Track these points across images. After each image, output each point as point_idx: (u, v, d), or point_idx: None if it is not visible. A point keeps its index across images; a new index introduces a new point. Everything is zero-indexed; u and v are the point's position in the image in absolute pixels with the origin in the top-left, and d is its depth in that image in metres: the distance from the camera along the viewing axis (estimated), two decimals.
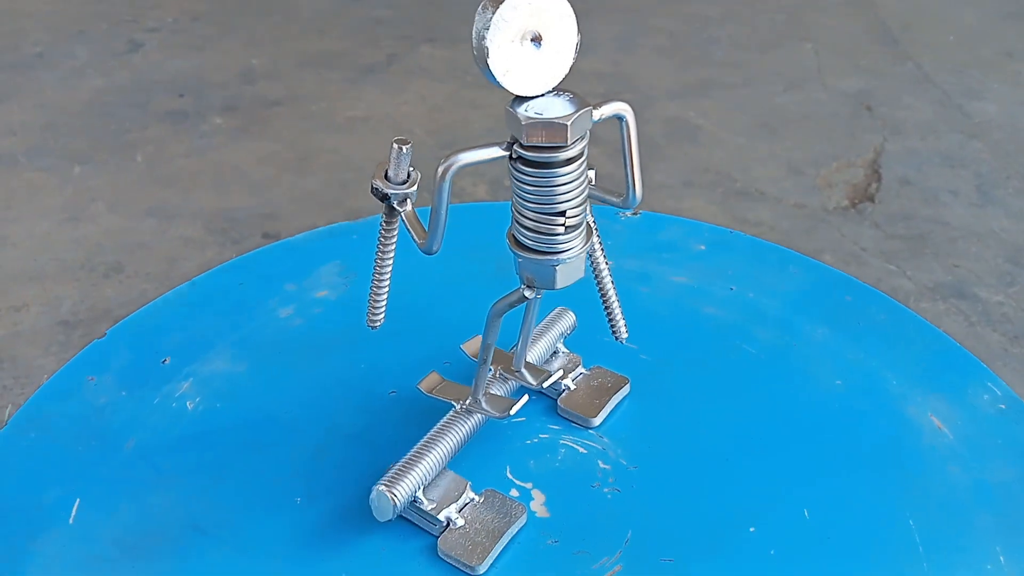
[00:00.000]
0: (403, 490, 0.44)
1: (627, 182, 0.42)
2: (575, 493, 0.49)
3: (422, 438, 0.47)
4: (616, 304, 0.48)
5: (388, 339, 0.54)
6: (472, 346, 0.54)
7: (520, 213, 0.39)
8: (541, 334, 0.54)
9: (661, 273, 0.65)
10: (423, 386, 0.50)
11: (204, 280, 0.66)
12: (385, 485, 0.44)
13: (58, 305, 1.42)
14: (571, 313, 0.56)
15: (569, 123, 0.36)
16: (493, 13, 0.34)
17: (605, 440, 0.52)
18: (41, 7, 2.43)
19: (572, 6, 0.37)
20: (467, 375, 0.51)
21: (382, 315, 0.48)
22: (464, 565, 0.44)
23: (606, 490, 0.49)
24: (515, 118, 0.36)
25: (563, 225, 0.39)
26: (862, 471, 0.50)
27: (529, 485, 0.49)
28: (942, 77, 2.17)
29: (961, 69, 2.21)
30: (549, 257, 0.40)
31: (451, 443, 0.47)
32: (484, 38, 0.35)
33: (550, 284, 0.40)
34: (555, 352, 0.55)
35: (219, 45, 2.25)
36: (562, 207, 0.38)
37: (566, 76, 0.37)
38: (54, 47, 2.23)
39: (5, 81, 2.08)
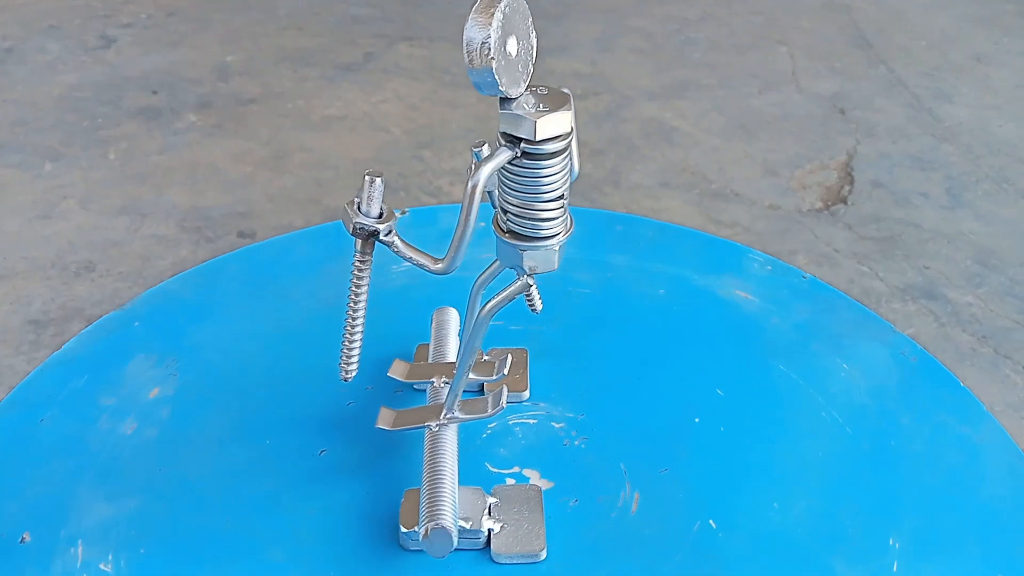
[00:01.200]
0: (451, 520, 0.44)
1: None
2: (557, 457, 0.52)
3: (424, 466, 0.47)
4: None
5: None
6: (400, 369, 0.53)
7: (530, 208, 0.41)
8: (448, 336, 0.55)
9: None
10: (383, 423, 0.49)
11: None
12: (436, 522, 0.43)
13: (28, 304, 1.40)
14: (454, 310, 0.57)
15: (571, 111, 0.39)
16: (490, 24, 0.35)
17: (542, 405, 0.55)
18: (11, 0, 2.40)
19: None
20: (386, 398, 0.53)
21: (356, 362, 0.44)
22: (528, 556, 0.45)
23: (577, 442, 0.53)
24: (520, 119, 0.38)
25: (562, 207, 0.41)
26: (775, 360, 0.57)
27: (517, 469, 0.51)
28: (914, 81, 2.20)
29: (932, 73, 2.24)
30: (552, 240, 0.42)
31: (454, 460, 0.47)
32: (488, 51, 0.36)
33: (552, 265, 0.42)
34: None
35: (194, 41, 2.23)
36: (561, 190, 0.41)
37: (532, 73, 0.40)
38: (25, 41, 2.20)
39: None
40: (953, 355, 1.38)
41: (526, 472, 0.51)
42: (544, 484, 0.50)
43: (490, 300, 0.44)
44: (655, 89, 2.10)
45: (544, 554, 0.45)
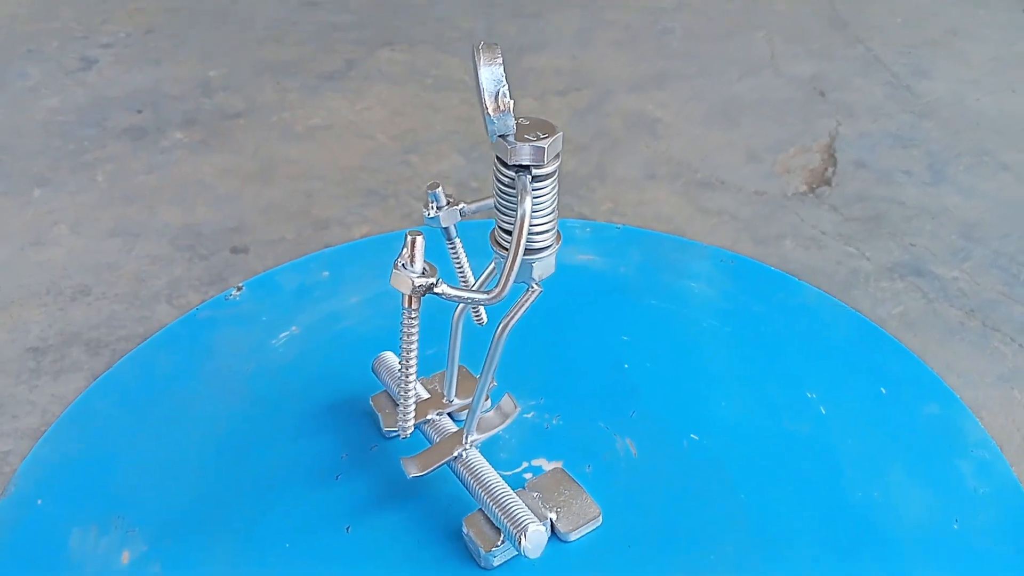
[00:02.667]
0: (535, 519, 0.47)
1: None
2: (548, 440, 0.56)
3: (473, 488, 0.49)
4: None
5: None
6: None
7: (538, 224, 0.44)
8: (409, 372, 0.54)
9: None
10: (415, 471, 0.50)
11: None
12: (527, 527, 0.46)
13: (26, 331, 1.41)
14: (390, 353, 0.57)
15: (561, 133, 0.42)
16: (499, 65, 0.38)
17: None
18: None
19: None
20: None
21: (413, 417, 0.47)
22: (591, 524, 0.50)
23: (555, 421, 0.58)
24: (531, 148, 0.42)
25: (556, 217, 0.45)
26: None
27: (526, 464, 0.55)
28: (891, 58, 2.22)
29: (909, 50, 2.26)
30: (553, 247, 0.46)
31: (496, 474, 0.50)
32: (506, 95, 0.39)
33: (552, 269, 0.46)
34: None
35: (175, 58, 2.24)
36: (555, 203, 0.45)
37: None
38: (4, 67, 2.20)
39: None
40: (942, 330, 1.40)
41: (535, 463, 0.55)
42: (558, 465, 0.54)
43: (503, 320, 0.46)
44: (635, 81, 2.11)
45: (601, 517, 0.51)
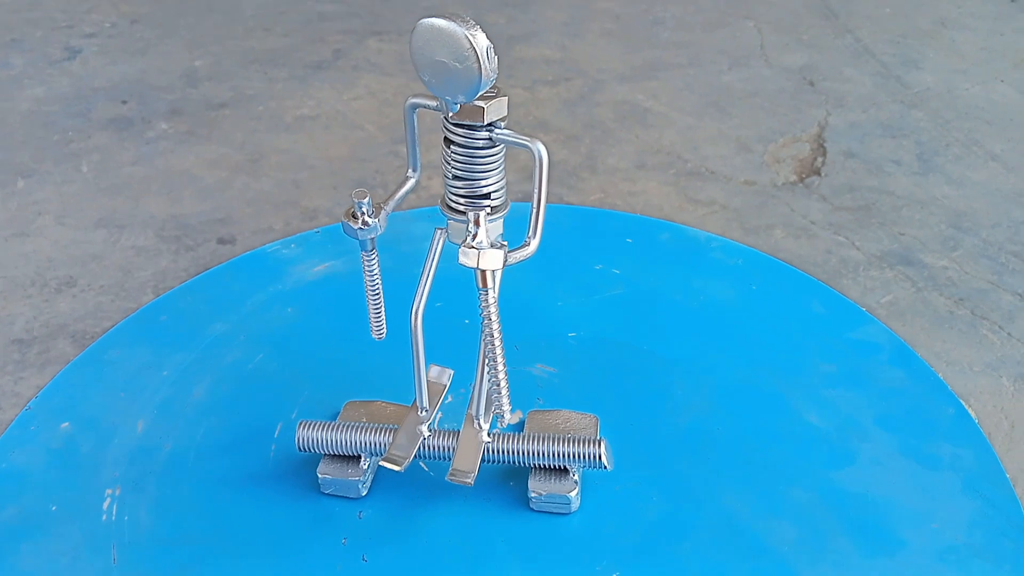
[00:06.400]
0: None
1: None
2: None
3: (524, 451, 0.50)
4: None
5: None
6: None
7: (500, 179, 0.44)
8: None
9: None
10: (469, 478, 0.49)
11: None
12: (597, 443, 0.50)
13: (11, 323, 1.39)
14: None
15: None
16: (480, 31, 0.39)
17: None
18: None
19: None
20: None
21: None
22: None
23: (538, 400, 0.58)
24: (501, 102, 0.42)
25: None
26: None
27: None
28: (880, 48, 2.22)
29: (898, 40, 2.26)
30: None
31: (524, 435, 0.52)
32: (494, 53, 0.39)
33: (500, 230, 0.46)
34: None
35: (160, 48, 2.21)
36: None
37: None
38: None
39: None
40: (931, 319, 1.40)
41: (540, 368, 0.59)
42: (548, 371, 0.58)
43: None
44: (626, 71, 2.10)
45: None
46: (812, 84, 2.06)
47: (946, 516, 0.50)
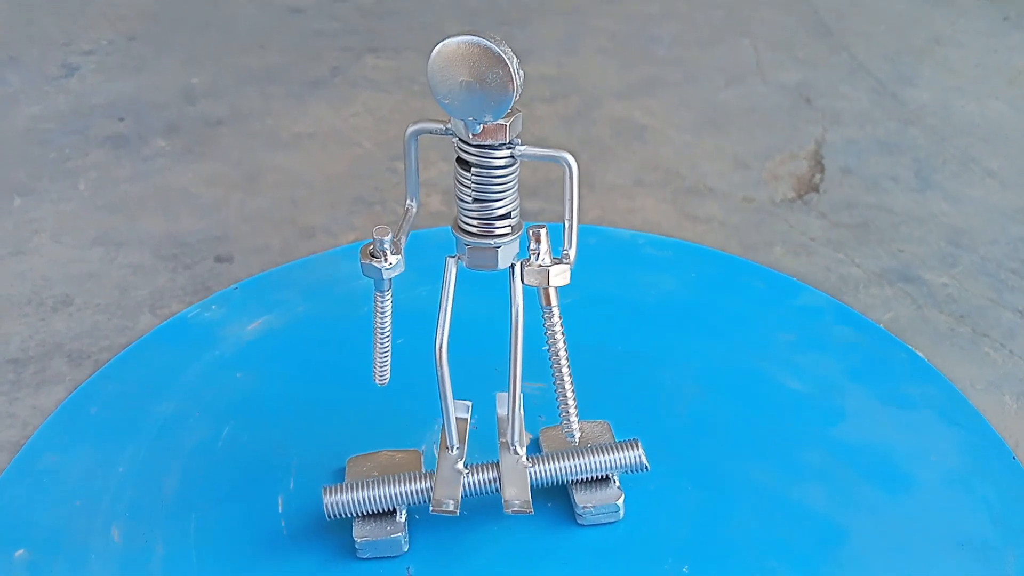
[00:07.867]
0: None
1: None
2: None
3: (566, 467, 0.50)
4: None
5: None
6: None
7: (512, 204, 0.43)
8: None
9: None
10: (525, 506, 0.47)
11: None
12: (638, 451, 0.50)
13: (7, 343, 1.38)
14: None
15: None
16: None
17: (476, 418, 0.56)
18: None
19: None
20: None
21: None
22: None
23: (540, 417, 0.56)
24: (519, 118, 0.42)
25: None
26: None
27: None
28: (876, 65, 2.23)
29: (893, 57, 2.28)
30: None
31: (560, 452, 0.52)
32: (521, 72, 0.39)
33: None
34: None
35: (157, 65, 2.21)
36: None
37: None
38: None
39: None
40: (932, 336, 1.40)
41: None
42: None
43: (514, 321, 0.43)
44: (622, 88, 2.11)
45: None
46: (808, 101, 2.07)
47: (938, 448, 0.55)
